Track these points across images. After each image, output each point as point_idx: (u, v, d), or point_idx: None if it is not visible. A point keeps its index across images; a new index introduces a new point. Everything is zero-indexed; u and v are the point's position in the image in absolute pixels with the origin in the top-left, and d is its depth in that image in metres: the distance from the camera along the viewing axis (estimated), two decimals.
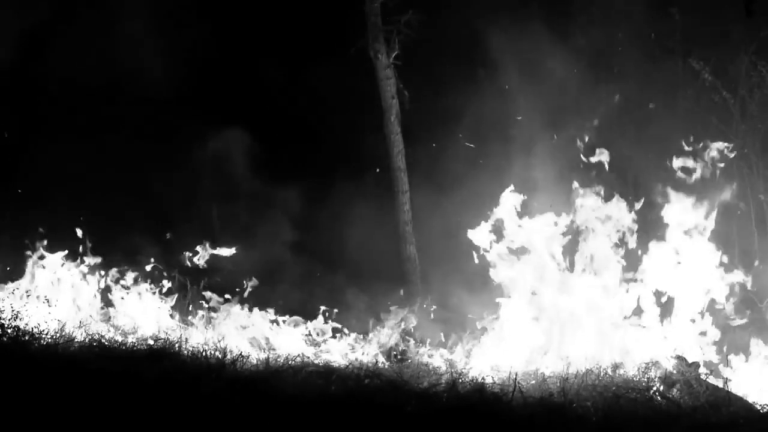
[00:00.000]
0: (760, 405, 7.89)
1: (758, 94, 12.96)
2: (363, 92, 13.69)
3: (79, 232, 10.25)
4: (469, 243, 9.67)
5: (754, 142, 13.07)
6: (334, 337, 9.91)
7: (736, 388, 8.20)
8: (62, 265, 9.98)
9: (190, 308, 9.99)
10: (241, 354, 8.53)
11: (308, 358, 8.76)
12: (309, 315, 10.12)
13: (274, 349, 9.27)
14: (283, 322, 9.86)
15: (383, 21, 13.38)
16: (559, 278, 9.24)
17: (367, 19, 13.36)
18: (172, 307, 9.94)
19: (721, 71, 13.05)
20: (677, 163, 9.52)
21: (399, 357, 9.35)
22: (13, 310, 8.58)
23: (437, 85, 13.88)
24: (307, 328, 9.88)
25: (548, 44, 12.45)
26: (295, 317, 9.92)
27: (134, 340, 8.89)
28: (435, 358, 9.12)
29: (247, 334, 9.59)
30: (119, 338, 8.97)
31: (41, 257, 10.02)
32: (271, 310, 9.95)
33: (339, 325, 10.06)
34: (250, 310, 9.94)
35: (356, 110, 13.90)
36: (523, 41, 12.31)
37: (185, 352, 8.50)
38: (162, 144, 13.26)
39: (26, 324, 8.55)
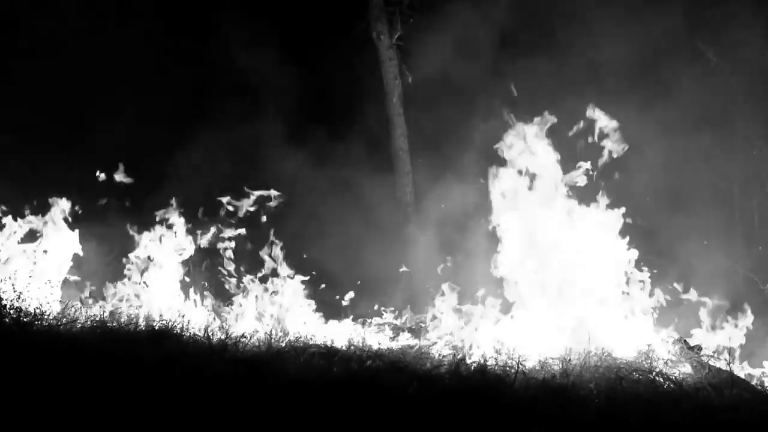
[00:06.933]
0: (761, 386, 7.90)
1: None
2: (365, 73, 13.63)
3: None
4: (474, 228, 9.65)
5: (758, 125, 12.99)
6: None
7: (740, 369, 8.22)
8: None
9: (193, 289, 9.96)
10: (243, 335, 8.55)
11: (311, 339, 8.75)
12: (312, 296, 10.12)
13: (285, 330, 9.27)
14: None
15: (386, 2, 13.30)
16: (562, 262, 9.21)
17: (370, 0, 13.28)
18: (174, 288, 9.92)
19: (726, 54, 12.94)
20: None
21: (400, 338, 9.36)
22: (15, 291, 8.56)
23: (440, 65, 13.79)
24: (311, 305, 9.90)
25: (550, 23, 12.38)
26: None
27: (137, 321, 8.87)
28: (437, 340, 9.11)
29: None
30: (122, 319, 8.96)
31: None
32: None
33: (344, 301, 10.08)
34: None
35: (358, 91, 13.84)
36: (527, 19, 12.24)
37: (187, 333, 8.50)
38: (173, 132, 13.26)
39: (29, 305, 8.53)
